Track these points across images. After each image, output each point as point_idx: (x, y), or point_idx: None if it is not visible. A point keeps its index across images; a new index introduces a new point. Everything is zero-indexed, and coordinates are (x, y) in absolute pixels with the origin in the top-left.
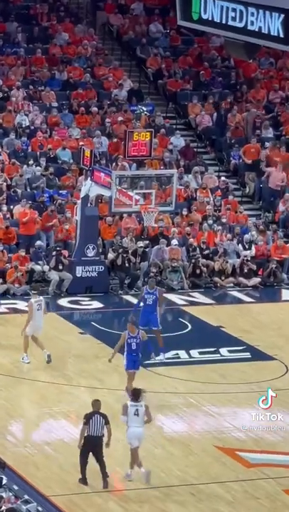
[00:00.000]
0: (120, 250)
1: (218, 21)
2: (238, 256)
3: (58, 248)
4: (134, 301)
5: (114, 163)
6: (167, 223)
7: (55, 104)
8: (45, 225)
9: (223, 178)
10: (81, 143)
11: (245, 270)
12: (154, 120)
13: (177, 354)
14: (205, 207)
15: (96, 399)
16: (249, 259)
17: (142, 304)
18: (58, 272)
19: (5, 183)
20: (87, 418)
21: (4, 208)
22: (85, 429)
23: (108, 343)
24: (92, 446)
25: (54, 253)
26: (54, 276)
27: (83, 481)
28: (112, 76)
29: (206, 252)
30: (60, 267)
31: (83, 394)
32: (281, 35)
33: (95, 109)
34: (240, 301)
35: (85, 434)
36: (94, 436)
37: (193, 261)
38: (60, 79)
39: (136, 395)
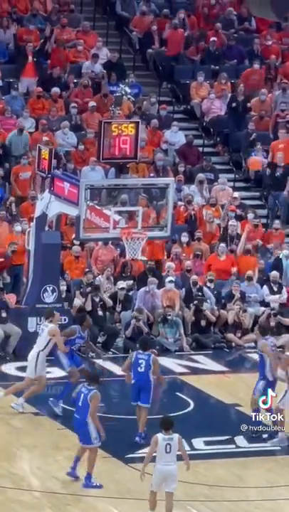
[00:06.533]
0: (87, 292)
1: None
2: (264, 303)
3: None
4: (112, 367)
5: (83, 169)
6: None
7: None
8: None
9: (235, 194)
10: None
11: (273, 323)
12: (142, 106)
13: None
14: (215, 231)
15: None
16: (277, 307)
17: None
18: (0, 323)
19: None
20: None
21: None
22: None
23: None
24: None
25: None
26: None
27: None
28: (82, 42)
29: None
30: (4, 315)
31: (38, 502)
32: None
33: (56, 89)
34: None
35: None
36: None
37: (196, 307)
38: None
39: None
